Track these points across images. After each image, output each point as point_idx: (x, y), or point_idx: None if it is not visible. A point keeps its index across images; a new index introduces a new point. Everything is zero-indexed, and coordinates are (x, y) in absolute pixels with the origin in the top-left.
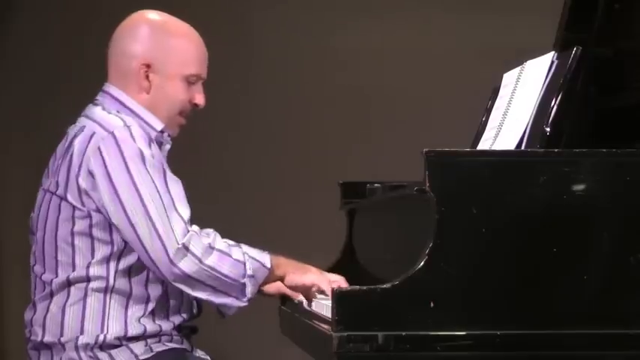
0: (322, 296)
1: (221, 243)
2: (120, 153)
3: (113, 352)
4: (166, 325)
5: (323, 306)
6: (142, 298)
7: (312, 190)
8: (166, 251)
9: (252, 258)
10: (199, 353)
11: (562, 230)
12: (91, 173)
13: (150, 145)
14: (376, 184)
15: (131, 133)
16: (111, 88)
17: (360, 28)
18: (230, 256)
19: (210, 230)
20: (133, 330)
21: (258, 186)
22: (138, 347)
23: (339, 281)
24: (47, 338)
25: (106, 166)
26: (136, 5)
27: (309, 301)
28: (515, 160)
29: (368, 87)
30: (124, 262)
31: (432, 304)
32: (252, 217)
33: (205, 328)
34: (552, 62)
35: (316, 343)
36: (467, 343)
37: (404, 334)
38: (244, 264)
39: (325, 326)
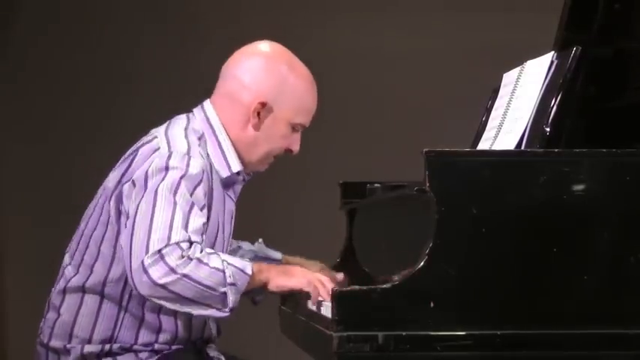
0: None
1: (198, 252)
2: (163, 175)
3: (118, 358)
4: (176, 348)
5: (323, 306)
6: (154, 326)
7: (312, 190)
8: (142, 262)
9: (232, 265)
10: (213, 353)
11: (562, 230)
12: (134, 183)
13: (197, 186)
14: (376, 184)
15: (187, 164)
16: (210, 109)
17: (360, 29)
18: (207, 264)
19: (197, 245)
20: (141, 347)
21: (258, 186)
22: (143, 354)
23: (324, 281)
24: (53, 343)
25: (147, 176)
26: (135, 7)
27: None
28: (515, 160)
29: (368, 87)
30: None
31: (432, 304)
32: (252, 217)
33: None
34: (552, 62)
35: (316, 343)
36: (467, 343)
37: (404, 334)
38: (223, 272)
39: (325, 326)
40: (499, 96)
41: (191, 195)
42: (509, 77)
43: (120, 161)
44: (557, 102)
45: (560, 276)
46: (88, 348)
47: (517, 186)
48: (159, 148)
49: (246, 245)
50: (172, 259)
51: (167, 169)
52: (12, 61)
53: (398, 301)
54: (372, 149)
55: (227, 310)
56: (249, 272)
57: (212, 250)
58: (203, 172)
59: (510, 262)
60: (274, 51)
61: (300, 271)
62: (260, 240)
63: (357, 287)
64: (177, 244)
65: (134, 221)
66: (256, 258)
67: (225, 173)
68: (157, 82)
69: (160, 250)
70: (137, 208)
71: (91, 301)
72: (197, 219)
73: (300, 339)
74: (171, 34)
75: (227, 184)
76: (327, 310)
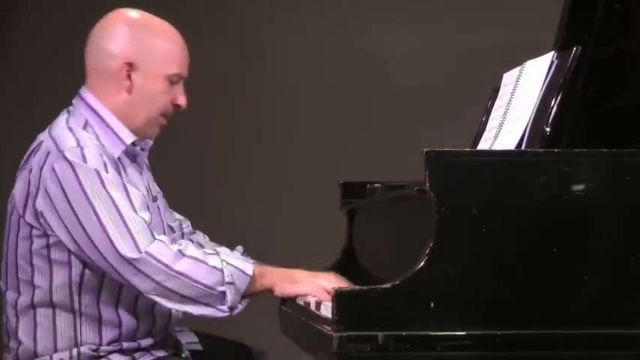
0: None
1: (194, 250)
2: (74, 175)
3: None
4: (146, 342)
5: (323, 306)
6: (114, 322)
7: (312, 190)
8: (123, 256)
9: (231, 265)
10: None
11: (562, 230)
12: (48, 194)
13: (105, 166)
14: (376, 184)
15: (83, 154)
16: (86, 93)
17: (360, 29)
18: (206, 263)
19: (182, 240)
20: (108, 347)
21: (258, 186)
22: (116, 356)
23: (331, 281)
24: (21, 356)
25: (62, 188)
26: (135, 5)
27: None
28: (515, 160)
29: (368, 87)
30: (88, 286)
31: (432, 304)
32: (252, 217)
33: (205, 328)
34: (552, 62)
35: (316, 343)
36: (467, 343)
37: (404, 334)
38: (222, 271)
39: (325, 326)
40: (499, 96)
41: (108, 173)
42: (509, 77)
43: (18, 175)
44: (557, 102)
45: (560, 276)
46: (56, 356)
47: (517, 186)
48: (49, 152)
49: (223, 251)
50: (164, 255)
51: (72, 166)
52: (12, 61)
53: (398, 301)
54: (372, 149)
55: (226, 309)
56: (250, 273)
57: (211, 251)
58: (101, 154)
59: (510, 262)
60: (126, 14)
61: (305, 275)
62: (238, 247)
63: (357, 287)
64: (150, 233)
65: (83, 228)
66: None
67: (120, 149)
68: None
69: (146, 251)
70: (75, 215)
71: (44, 317)
72: (135, 193)
73: (300, 339)
74: None
75: (129, 158)
76: (327, 310)
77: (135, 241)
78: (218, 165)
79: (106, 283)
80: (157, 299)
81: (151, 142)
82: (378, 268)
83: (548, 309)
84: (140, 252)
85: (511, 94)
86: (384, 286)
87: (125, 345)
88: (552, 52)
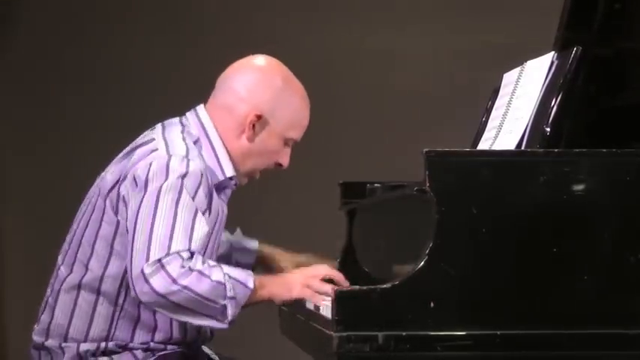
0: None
1: (200, 264)
2: (164, 178)
3: (115, 356)
4: (172, 348)
5: (323, 306)
6: (150, 326)
7: (312, 190)
8: (142, 270)
9: (234, 279)
10: (208, 352)
11: (562, 230)
12: (135, 183)
13: (197, 188)
14: (376, 184)
15: (187, 165)
16: (204, 114)
17: (360, 29)
18: (209, 277)
19: (199, 256)
20: (138, 345)
21: (258, 186)
22: (139, 352)
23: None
24: (49, 342)
25: (146, 183)
26: (136, 7)
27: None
28: (515, 160)
29: (368, 87)
30: None
31: (432, 304)
32: (252, 217)
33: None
34: (552, 62)
35: (316, 343)
36: (467, 343)
37: (404, 334)
38: (224, 285)
39: (325, 326)
40: (499, 96)
41: (193, 199)
42: (509, 77)
43: (115, 161)
44: (557, 102)
45: (560, 276)
46: (83, 346)
47: (517, 186)
48: (157, 150)
49: (223, 236)
50: (173, 268)
51: (167, 171)
52: (12, 61)
53: (398, 301)
54: (372, 149)
55: (226, 322)
56: (251, 286)
57: (215, 263)
58: (202, 174)
59: (510, 262)
60: (271, 65)
61: (297, 278)
62: (238, 229)
63: (357, 287)
64: (178, 253)
65: (135, 226)
66: (232, 249)
67: (219, 177)
68: (158, 83)
69: (159, 260)
70: (138, 212)
71: (85, 300)
72: (201, 227)
73: (300, 339)
74: (172, 33)
75: (219, 188)
76: (327, 310)
77: (162, 256)
78: None
79: None
80: (161, 310)
81: (230, 190)
82: (378, 268)
83: (549, 309)
84: (156, 264)
85: (511, 94)
86: (384, 286)
87: (152, 345)
88: (552, 52)
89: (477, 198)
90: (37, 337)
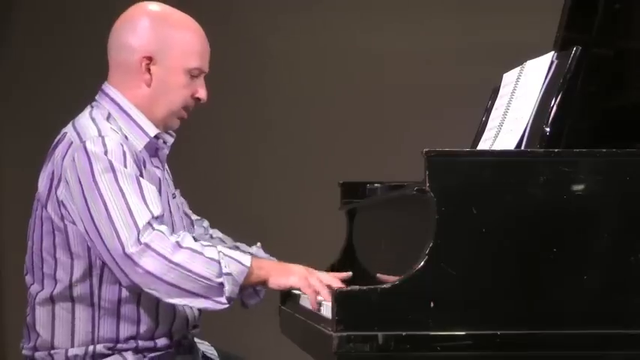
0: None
1: (191, 242)
2: (89, 164)
3: None
4: (162, 342)
5: (323, 306)
6: (133, 319)
7: (312, 190)
8: (126, 252)
9: (228, 256)
10: (203, 347)
11: (562, 230)
12: (67, 184)
13: (124, 156)
14: (376, 184)
15: (104, 143)
16: (109, 88)
17: (360, 28)
18: (202, 254)
19: (181, 232)
20: (124, 344)
21: (258, 186)
22: (130, 355)
23: (324, 281)
24: (38, 354)
25: (78, 177)
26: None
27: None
28: (515, 160)
29: (368, 87)
30: (108, 279)
31: (432, 304)
32: (252, 217)
33: (205, 327)
34: (552, 62)
35: (316, 343)
36: (467, 343)
37: (404, 334)
38: (219, 262)
39: (325, 326)
40: (499, 96)
41: (126, 167)
42: (509, 77)
43: (43, 168)
44: (557, 102)
45: (561, 276)
46: (71, 351)
47: (517, 186)
48: (72, 142)
49: (243, 247)
50: (159, 245)
51: (89, 157)
52: (12, 61)
53: (398, 301)
54: (372, 149)
55: (224, 300)
56: (247, 264)
57: (208, 243)
58: (121, 144)
59: (510, 262)
60: (146, 8)
61: (300, 270)
62: (258, 244)
63: (357, 287)
64: (149, 224)
65: (92, 219)
66: None
67: (144, 141)
68: None
69: (138, 239)
70: (87, 205)
71: (63, 310)
72: (149, 188)
73: (300, 339)
74: None
75: (151, 153)
76: (327, 310)
77: (137, 234)
78: (217, 165)
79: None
80: (156, 294)
81: (172, 139)
82: (378, 268)
83: (549, 309)
84: (140, 244)
85: (511, 94)
86: (384, 286)
87: (141, 344)
88: (552, 52)
89: (477, 198)
90: (26, 352)
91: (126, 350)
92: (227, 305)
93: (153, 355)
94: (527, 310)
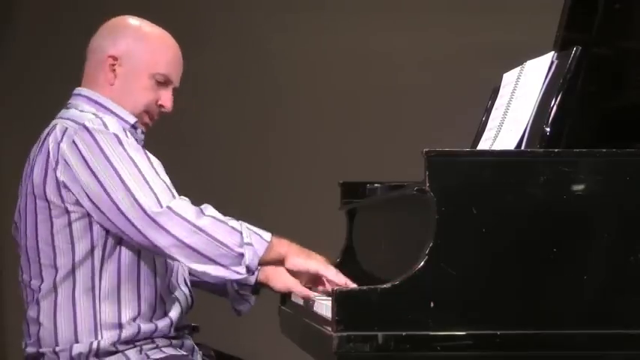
0: (323, 296)
1: (214, 211)
2: (94, 141)
3: (108, 359)
4: (163, 324)
5: (323, 306)
6: (134, 298)
7: (312, 190)
8: (148, 214)
9: (250, 229)
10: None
11: (562, 230)
12: (68, 165)
13: (125, 132)
14: (376, 184)
15: (103, 122)
16: (80, 90)
17: (361, 29)
18: (226, 223)
19: (205, 204)
20: (127, 332)
21: (258, 186)
22: (133, 354)
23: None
24: (42, 349)
25: (82, 156)
26: (139, 6)
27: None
28: (515, 160)
29: (368, 87)
30: (109, 261)
31: (432, 304)
32: (252, 217)
33: (205, 328)
34: (552, 62)
35: (316, 343)
36: (467, 343)
37: (404, 334)
38: (241, 233)
39: (325, 326)
40: (499, 96)
41: (129, 140)
42: (509, 77)
43: (27, 168)
44: (557, 102)
45: (560, 276)
46: (76, 348)
47: (517, 186)
48: (66, 129)
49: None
50: (186, 211)
51: (92, 134)
52: (12, 61)
53: (398, 301)
54: (372, 149)
55: (243, 270)
56: (268, 239)
57: (230, 217)
58: (119, 122)
59: (510, 262)
60: (124, 19)
61: (320, 257)
62: None
63: (357, 287)
64: (169, 190)
65: (105, 191)
66: None
67: (126, 127)
68: None
69: (167, 206)
70: (97, 179)
71: (65, 297)
72: (155, 160)
73: (300, 339)
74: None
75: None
76: (327, 310)
77: (157, 198)
78: (217, 165)
79: (126, 261)
80: (176, 257)
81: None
82: (378, 268)
83: (548, 309)
84: (162, 206)
85: (511, 94)
86: (384, 286)
87: (143, 327)
88: (552, 52)
89: (477, 198)
90: (30, 349)
91: (129, 349)
92: (245, 275)
93: (154, 355)
94: (527, 310)
